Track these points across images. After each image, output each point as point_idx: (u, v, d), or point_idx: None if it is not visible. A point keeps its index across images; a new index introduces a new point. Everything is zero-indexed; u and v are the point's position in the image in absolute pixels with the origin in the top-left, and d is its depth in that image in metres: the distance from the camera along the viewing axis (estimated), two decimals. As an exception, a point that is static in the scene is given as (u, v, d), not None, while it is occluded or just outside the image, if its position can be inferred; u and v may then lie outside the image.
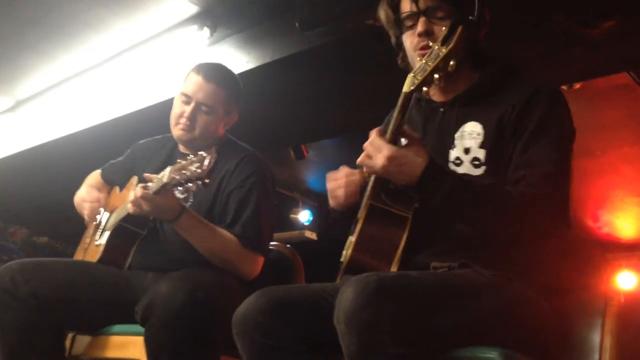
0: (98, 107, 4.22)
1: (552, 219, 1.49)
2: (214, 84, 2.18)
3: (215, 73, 2.21)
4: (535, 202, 1.46)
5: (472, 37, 1.54)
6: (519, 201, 1.47)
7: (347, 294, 1.32)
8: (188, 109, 2.17)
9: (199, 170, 1.79)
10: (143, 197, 1.93)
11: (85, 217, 2.37)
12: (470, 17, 1.45)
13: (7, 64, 4.13)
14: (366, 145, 1.50)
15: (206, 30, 3.40)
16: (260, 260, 2.11)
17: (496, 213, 1.48)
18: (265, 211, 2.15)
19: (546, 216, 1.48)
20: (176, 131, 2.22)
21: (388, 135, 1.49)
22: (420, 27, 1.60)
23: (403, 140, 1.72)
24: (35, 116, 4.69)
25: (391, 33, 1.75)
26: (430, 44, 1.47)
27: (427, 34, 1.60)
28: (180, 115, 2.19)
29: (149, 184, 1.95)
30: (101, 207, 2.36)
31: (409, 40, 1.65)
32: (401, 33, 1.68)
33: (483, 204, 1.48)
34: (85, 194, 2.39)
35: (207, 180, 1.81)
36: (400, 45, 1.72)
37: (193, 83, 2.19)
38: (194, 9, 3.36)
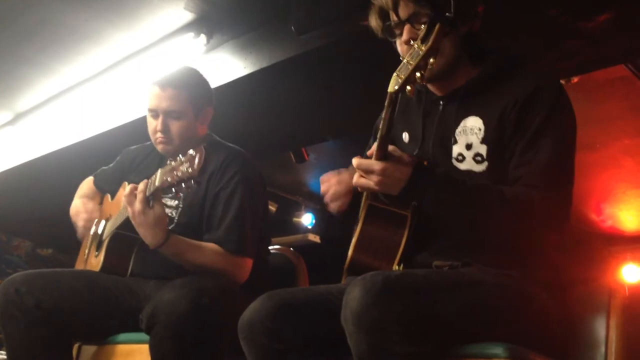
0: (98, 117, 4.23)
1: (548, 219, 1.49)
2: (172, 88, 2.15)
3: (169, 79, 2.17)
4: (530, 203, 1.46)
5: (453, 32, 1.54)
6: (513, 202, 1.47)
7: (354, 294, 1.33)
8: (158, 122, 2.16)
9: (190, 170, 1.77)
10: (139, 199, 1.91)
11: (81, 228, 2.37)
12: (447, 14, 1.46)
13: (6, 77, 4.14)
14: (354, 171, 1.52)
15: (202, 37, 3.40)
16: (248, 262, 2.09)
17: (487, 214, 1.48)
18: (250, 211, 2.13)
19: (543, 217, 1.48)
20: (158, 147, 2.22)
21: (375, 153, 1.50)
22: (404, 36, 1.61)
23: (405, 135, 1.73)
24: (35, 128, 4.70)
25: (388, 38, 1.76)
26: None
27: (413, 41, 1.61)
28: (154, 131, 2.19)
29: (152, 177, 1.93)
30: (96, 218, 2.36)
31: (399, 49, 1.67)
32: (394, 38, 1.70)
33: (473, 205, 1.48)
34: (81, 206, 2.39)
35: (199, 179, 1.79)
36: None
37: (153, 96, 2.18)
38: (189, 16, 3.36)
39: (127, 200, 1.94)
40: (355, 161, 1.52)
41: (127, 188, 1.96)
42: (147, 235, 1.96)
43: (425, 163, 1.55)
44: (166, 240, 1.96)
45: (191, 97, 2.18)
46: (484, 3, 1.65)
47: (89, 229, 2.37)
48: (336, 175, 1.69)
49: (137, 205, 1.92)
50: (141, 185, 1.93)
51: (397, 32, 1.65)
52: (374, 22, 1.73)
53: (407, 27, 1.61)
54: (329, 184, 1.69)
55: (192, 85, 2.20)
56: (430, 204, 1.49)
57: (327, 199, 1.71)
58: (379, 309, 1.30)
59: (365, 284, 1.33)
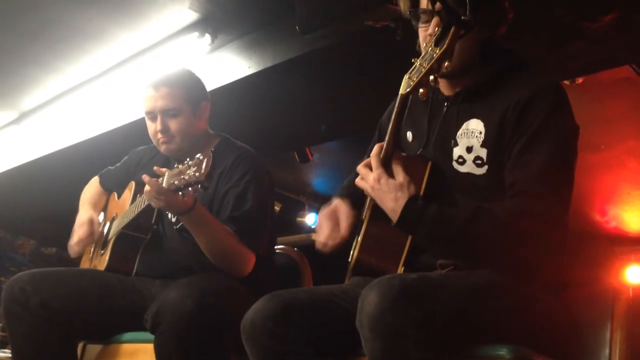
0: (102, 116, 4.25)
1: (544, 227, 1.46)
2: (165, 87, 2.16)
3: (160, 79, 2.19)
4: (524, 219, 1.45)
5: (470, 35, 1.53)
6: (507, 227, 1.45)
7: (370, 298, 1.32)
8: (157, 122, 2.17)
9: (197, 174, 1.76)
10: (157, 191, 1.88)
11: (76, 241, 2.30)
12: (462, 17, 1.45)
13: (11, 76, 4.15)
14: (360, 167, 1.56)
15: (207, 37, 3.41)
16: (253, 258, 2.08)
17: (482, 247, 1.47)
18: (261, 209, 2.13)
19: (538, 229, 1.45)
20: (162, 148, 2.21)
21: (382, 154, 1.52)
22: (431, 28, 1.58)
23: (409, 134, 1.72)
24: (39, 127, 4.71)
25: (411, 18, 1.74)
26: None
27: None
28: (155, 133, 2.19)
29: (160, 178, 1.90)
30: (95, 236, 2.33)
31: (422, 36, 1.64)
32: (417, 23, 1.67)
33: (467, 242, 1.47)
34: (86, 219, 2.33)
35: (206, 184, 1.79)
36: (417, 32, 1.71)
37: (147, 99, 2.18)
38: (194, 16, 3.36)
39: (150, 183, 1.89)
40: (359, 167, 1.56)
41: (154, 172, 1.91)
42: (172, 203, 1.90)
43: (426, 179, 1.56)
44: (193, 206, 1.93)
45: (185, 93, 2.19)
46: (513, 9, 1.63)
47: (83, 245, 2.33)
48: (329, 212, 1.71)
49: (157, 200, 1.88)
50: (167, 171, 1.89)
51: (425, 18, 1.62)
52: (402, 2, 1.69)
53: (435, 20, 1.58)
54: (321, 218, 1.71)
55: (184, 82, 2.22)
56: (424, 240, 1.52)
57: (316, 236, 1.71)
58: (396, 313, 1.30)
59: (381, 288, 1.32)
